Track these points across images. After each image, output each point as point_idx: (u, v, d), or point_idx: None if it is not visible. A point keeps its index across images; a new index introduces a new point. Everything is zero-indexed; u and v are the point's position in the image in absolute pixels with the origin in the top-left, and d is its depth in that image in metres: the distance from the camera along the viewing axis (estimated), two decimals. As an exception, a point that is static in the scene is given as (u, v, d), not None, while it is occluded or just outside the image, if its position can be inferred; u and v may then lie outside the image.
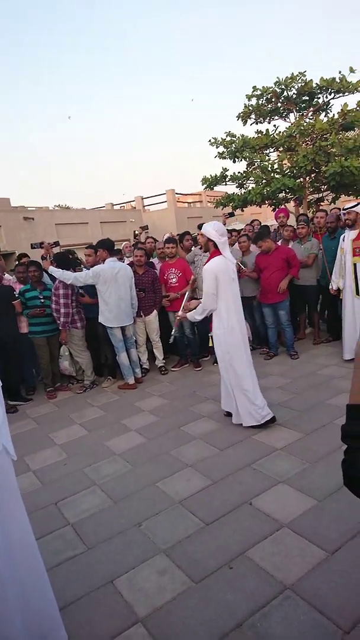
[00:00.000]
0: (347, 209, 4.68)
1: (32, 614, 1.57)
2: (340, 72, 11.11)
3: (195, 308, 3.66)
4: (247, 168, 12.44)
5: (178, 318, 4.11)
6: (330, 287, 5.06)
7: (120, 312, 4.90)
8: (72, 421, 4.33)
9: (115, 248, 5.25)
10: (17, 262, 5.81)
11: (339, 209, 7.16)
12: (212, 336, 3.67)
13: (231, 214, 7.02)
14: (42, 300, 4.97)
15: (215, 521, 2.47)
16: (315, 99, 12.27)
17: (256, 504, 2.57)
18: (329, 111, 12.39)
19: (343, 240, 4.79)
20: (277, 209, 7.15)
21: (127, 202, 20.70)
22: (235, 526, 2.41)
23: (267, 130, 12.26)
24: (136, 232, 6.51)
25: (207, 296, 3.45)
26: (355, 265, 4.66)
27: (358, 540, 2.16)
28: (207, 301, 3.47)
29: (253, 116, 12.60)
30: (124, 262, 5.59)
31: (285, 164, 11.59)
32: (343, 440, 0.82)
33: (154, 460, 3.29)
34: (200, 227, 5.39)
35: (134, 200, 19.92)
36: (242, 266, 5.45)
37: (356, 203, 4.71)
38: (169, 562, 2.19)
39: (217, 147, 12.37)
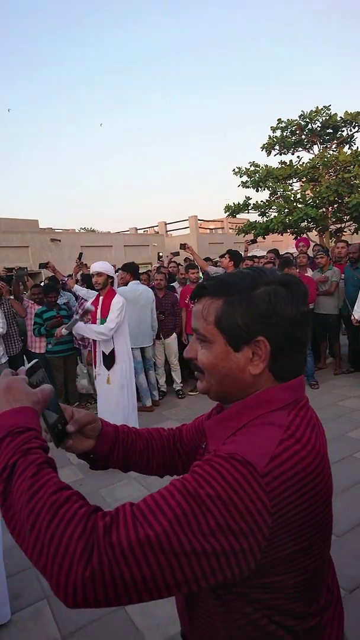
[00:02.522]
0: None
1: None
2: (364, 107, 11.32)
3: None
4: (270, 197, 12.65)
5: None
6: (352, 317, 5.04)
7: (139, 333, 4.97)
8: (89, 441, 4.35)
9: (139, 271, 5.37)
10: (41, 282, 6.01)
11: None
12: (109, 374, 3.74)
13: (253, 241, 7.13)
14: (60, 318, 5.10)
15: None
16: (340, 132, 12.50)
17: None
18: (352, 144, 12.59)
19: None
20: (298, 238, 7.23)
21: (150, 227, 21.18)
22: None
23: (291, 161, 12.50)
24: (160, 254, 6.63)
25: (114, 326, 3.62)
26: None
27: (378, 581, 2.09)
28: (113, 330, 3.65)
29: (277, 147, 12.88)
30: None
31: (308, 194, 11.73)
32: None
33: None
34: (230, 251, 5.51)
35: (157, 225, 20.37)
36: None
37: None
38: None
39: (240, 177, 12.65)
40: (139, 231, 20.86)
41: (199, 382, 0.81)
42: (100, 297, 3.79)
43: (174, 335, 5.46)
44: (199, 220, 19.29)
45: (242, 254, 6.16)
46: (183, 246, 5.45)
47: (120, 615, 2.04)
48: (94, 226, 32.29)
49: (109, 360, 3.72)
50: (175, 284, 6.07)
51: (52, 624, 2.04)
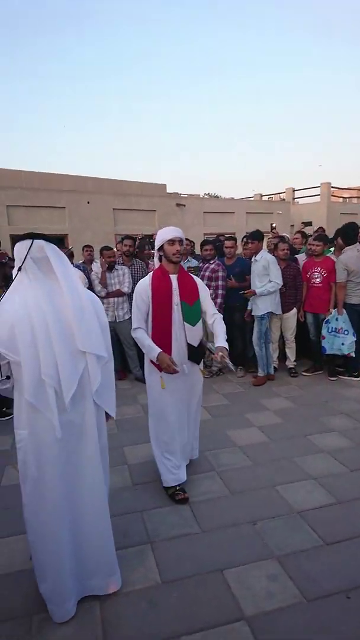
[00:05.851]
0: None
1: (93, 552, 1.94)
2: None
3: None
4: None
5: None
6: None
7: (270, 299, 4.91)
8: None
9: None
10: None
11: None
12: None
13: None
14: None
15: (336, 543, 2.30)
16: None
17: (386, 539, 2.30)
18: None
19: None
20: None
21: (276, 193, 20.21)
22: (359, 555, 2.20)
23: None
24: (273, 225, 6.51)
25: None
26: None
27: None
28: None
29: None
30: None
31: None
32: None
33: (276, 462, 3.20)
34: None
35: (284, 192, 19.34)
36: None
37: None
38: (280, 570, 2.12)
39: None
40: (263, 198, 20.10)
41: None
42: (172, 275, 2.73)
43: (294, 310, 5.20)
44: (332, 187, 17.76)
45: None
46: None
47: (218, 578, 2.09)
48: (218, 192, 32.04)
49: (199, 351, 2.81)
50: (302, 255, 5.70)
51: (154, 568, 2.18)
